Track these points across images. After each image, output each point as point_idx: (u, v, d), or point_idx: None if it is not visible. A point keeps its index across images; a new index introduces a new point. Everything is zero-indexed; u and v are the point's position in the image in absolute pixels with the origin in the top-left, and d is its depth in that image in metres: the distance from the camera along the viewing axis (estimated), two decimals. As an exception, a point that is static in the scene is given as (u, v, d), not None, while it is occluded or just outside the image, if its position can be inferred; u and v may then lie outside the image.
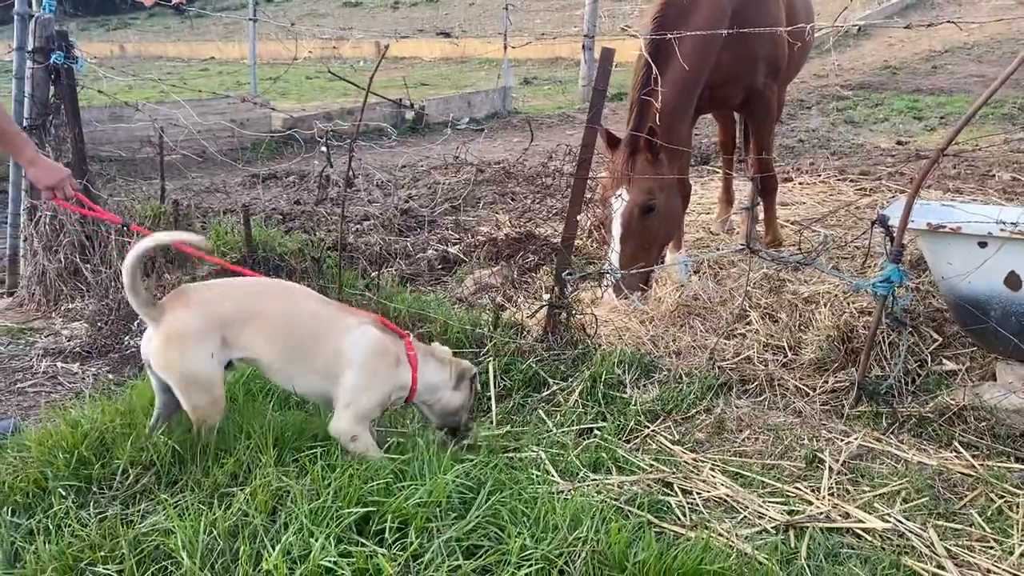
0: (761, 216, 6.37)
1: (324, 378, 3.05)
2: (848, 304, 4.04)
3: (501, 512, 2.67)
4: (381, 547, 2.52)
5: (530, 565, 2.34)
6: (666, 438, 3.58)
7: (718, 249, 6.43)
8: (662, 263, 5.08)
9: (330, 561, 2.39)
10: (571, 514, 2.58)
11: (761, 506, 3.07)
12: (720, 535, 2.86)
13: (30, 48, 5.39)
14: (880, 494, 3.14)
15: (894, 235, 3.55)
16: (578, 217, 3.96)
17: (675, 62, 4.33)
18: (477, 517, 2.61)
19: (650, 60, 4.22)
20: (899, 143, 11.27)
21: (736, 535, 2.84)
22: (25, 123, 5.54)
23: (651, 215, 4.58)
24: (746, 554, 2.59)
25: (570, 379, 3.99)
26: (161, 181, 5.55)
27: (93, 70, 5.53)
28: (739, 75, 5.03)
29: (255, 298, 3.07)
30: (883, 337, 3.86)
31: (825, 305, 4.11)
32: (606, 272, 4.39)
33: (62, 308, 5.44)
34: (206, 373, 2.90)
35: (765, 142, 5.55)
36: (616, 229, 4.55)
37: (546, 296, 4.25)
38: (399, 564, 2.40)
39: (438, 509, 2.66)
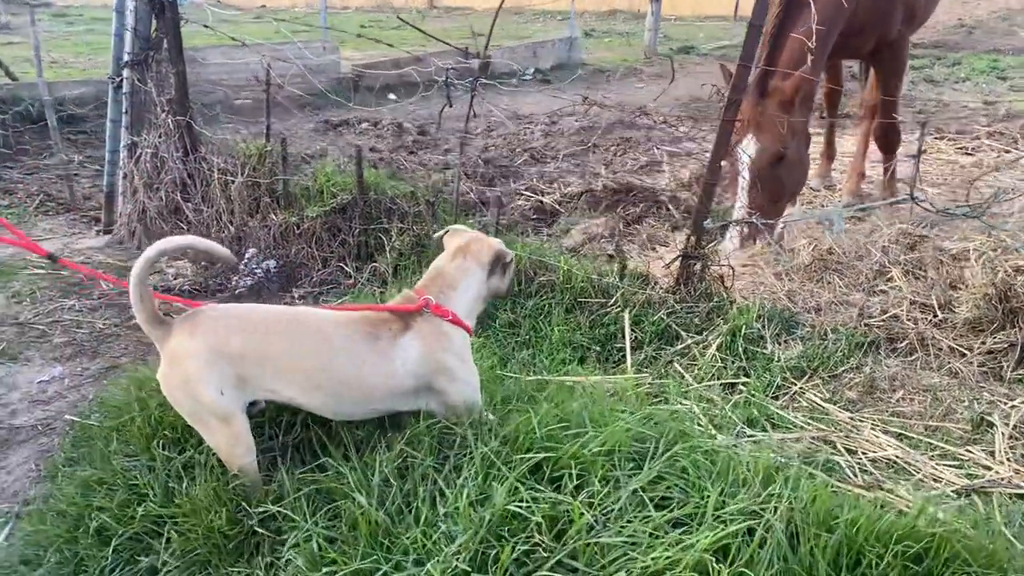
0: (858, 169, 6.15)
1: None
2: (1002, 262, 3.82)
3: (679, 464, 2.55)
4: (558, 494, 2.43)
5: (734, 522, 2.21)
6: (817, 396, 3.43)
7: (823, 205, 6.21)
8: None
9: (518, 506, 2.30)
10: (763, 469, 2.44)
11: (935, 468, 2.92)
12: (899, 497, 2.72)
13: (132, -20, 5.29)
14: (1060, 461, 2.97)
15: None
16: (722, 162, 3.77)
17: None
18: (657, 467, 2.50)
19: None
20: (986, 103, 10.83)
21: (922, 499, 2.70)
22: (126, 58, 5.45)
23: (781, 164, 4.36)
24: (950, 522, 2.41)
25: (704, 332, 3.84)
26: (267, 119, 5.41)
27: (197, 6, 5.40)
28: (875, 22, 4.75)
29: (274, 335, 2.61)
30: (1046, 298, 3.65)
31: (976, 262, 3.90)
32: (740, 222, 4.19)
33: (163, 247, 5.40)
34: (214, 407, 2.51)
35: (893, 91, 5.27)
36: (743, 179, 4.34)
37: (680, 246, 4.07)
38: (591, 513, 2.29)
39: (615, 458, 2.55)
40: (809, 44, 3.64)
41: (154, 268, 3.13)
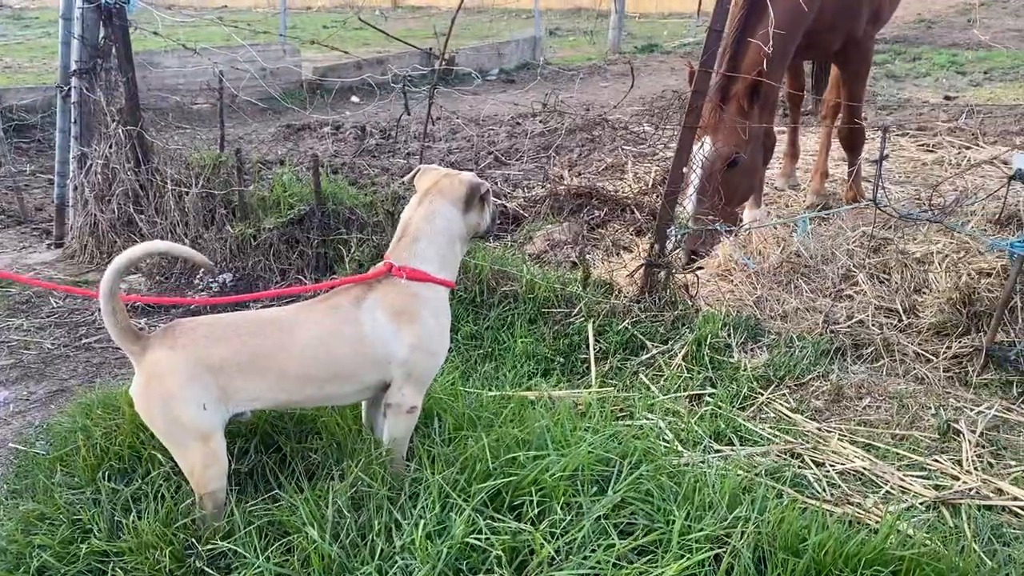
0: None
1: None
2: (965, 265, 3.81)
3: (644, 487, 2.48)
4: (519, 523, 2.35)
5: (702, 550, 2.14)
6: (783, 406, 3.38)
7: (787, 205, 6.18)
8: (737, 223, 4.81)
9: (478, 538, 2.21)
10: (729, 490, 2.38)
11: (903, 480, 2.88)
12: (867, 512, 2.68)
13: (79, -14, 5.11)
14: (1028, 468, 2.95)
15: (1031, 192, 3.31)
16: (684, 169, 3.70)
17: (780, 3, 4.01)
18: (621, 491, 2.43)
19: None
20: (947, 98, 10.91)
21: (888, 513, 2.65)
22: (74, 67, 5.27)
23: (734, 168, 4.30)
24: (919, 541, 2.36)
25: (670, 342, 3.78)
26: (221, 128, 5.28)
27: (147, 11, 5.24)
28: (842, 22, 4.72)
29: (251, 337, 2.51)
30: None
31: (940, 265, 3.88)
32: (684, 231, 4.10)
33: (116, 261, 5.23)
34: (195, 424, 2.41)
35: (857, 93, 5.25)
36: (695, 181, 4.26)
37: (644, 253, 4.00)
38: (553, 544, 2.21)
39: (578, 482, 2.48)
40: (767, 49, 3.59)
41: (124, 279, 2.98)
